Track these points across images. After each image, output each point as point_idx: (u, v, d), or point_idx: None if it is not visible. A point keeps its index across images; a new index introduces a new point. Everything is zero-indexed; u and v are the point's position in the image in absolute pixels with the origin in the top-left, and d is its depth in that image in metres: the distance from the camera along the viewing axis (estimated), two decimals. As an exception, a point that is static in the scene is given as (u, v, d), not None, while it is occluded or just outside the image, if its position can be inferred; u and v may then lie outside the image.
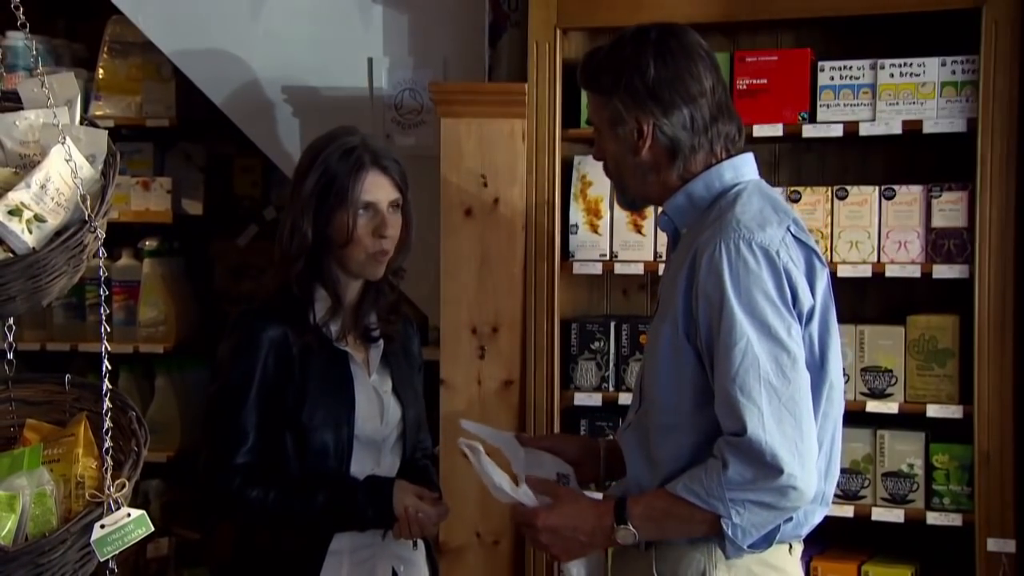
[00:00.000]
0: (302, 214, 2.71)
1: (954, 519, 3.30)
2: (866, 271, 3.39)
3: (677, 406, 2.27)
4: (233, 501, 2.69)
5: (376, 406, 2.77)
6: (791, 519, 2.24)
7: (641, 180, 2.38)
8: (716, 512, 2.18)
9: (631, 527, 2.25)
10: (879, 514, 3.37)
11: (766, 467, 2.14)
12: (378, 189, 2.72)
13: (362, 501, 2.66)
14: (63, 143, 1.95)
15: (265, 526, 2.75)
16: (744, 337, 2.17)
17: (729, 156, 2.38)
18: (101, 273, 1.95)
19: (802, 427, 2.17)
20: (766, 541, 2.23)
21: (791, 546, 2.33)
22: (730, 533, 2.18)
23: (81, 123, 2.06)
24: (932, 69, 3.32)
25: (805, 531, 2.34)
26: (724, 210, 2.28)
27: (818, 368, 2.29)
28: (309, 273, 2.73)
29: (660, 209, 2.45)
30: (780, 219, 2.28)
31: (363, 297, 2.82)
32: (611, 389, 3.59)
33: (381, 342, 2.82)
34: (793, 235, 2.28)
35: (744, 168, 2.38)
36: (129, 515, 1.89)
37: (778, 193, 2.45)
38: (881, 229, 3.38)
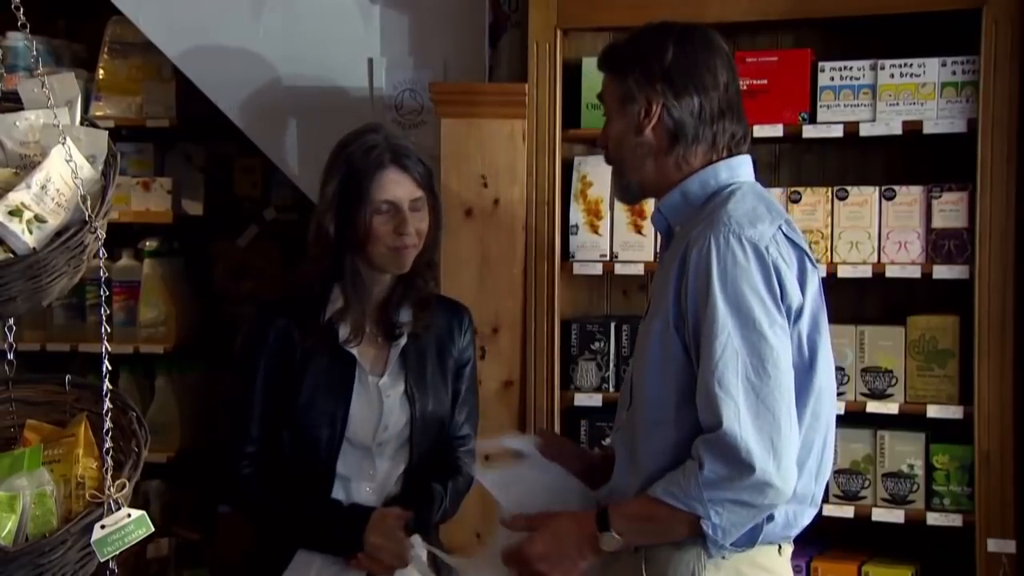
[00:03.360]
0: (325, 213, 2.71)
1: (954, 519, 3.29)
2: (866, 271, 3.39)
3: (664, 401, 2.26)
4: (236, 488, 2.77)
5: (375, 411, 2.74)
6: (772, 518, 2.24)
7: (640, 163, 2.39)
8: (695, 513, 2.17)
9: (614, 534, 2.24)
10: (879, 514, 3.37)
11: (740, 463, 2.14)
12: (397, 187, 2.70)
13: (334, 526, 2.68)
14: (63, 143, 1.95)
15: (251, 521, 2.83)
16: (726, 330, 2.17)
17: (730, 156, 2.38)
18: (101, 273, 1.96)
19: (780, 424, 2.16)
20: (749, 540, 2.23)
21: (780, 547, 2.33)
22: (711, 533, 2.18)
23: (81, 123, 2.06)
24: (932, 70, 3.32)
25: (794, 532, 2.34)
26: (717, 207, 2.29)
27: (807, 368, 2.28)
28: (331, 271, 2.73)
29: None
30: (772, 218, 2.29)
31: (392, 292, 2.79)
32: (611, 389, 3.58)
33: (402, 340, 2.78)
34: (785, 234, 2.29)
35: (740, 169, 2.39)
36: (129, 515, 1.89)
37: (774, 196, 2.44)
38: (881, 230, 3.38)
